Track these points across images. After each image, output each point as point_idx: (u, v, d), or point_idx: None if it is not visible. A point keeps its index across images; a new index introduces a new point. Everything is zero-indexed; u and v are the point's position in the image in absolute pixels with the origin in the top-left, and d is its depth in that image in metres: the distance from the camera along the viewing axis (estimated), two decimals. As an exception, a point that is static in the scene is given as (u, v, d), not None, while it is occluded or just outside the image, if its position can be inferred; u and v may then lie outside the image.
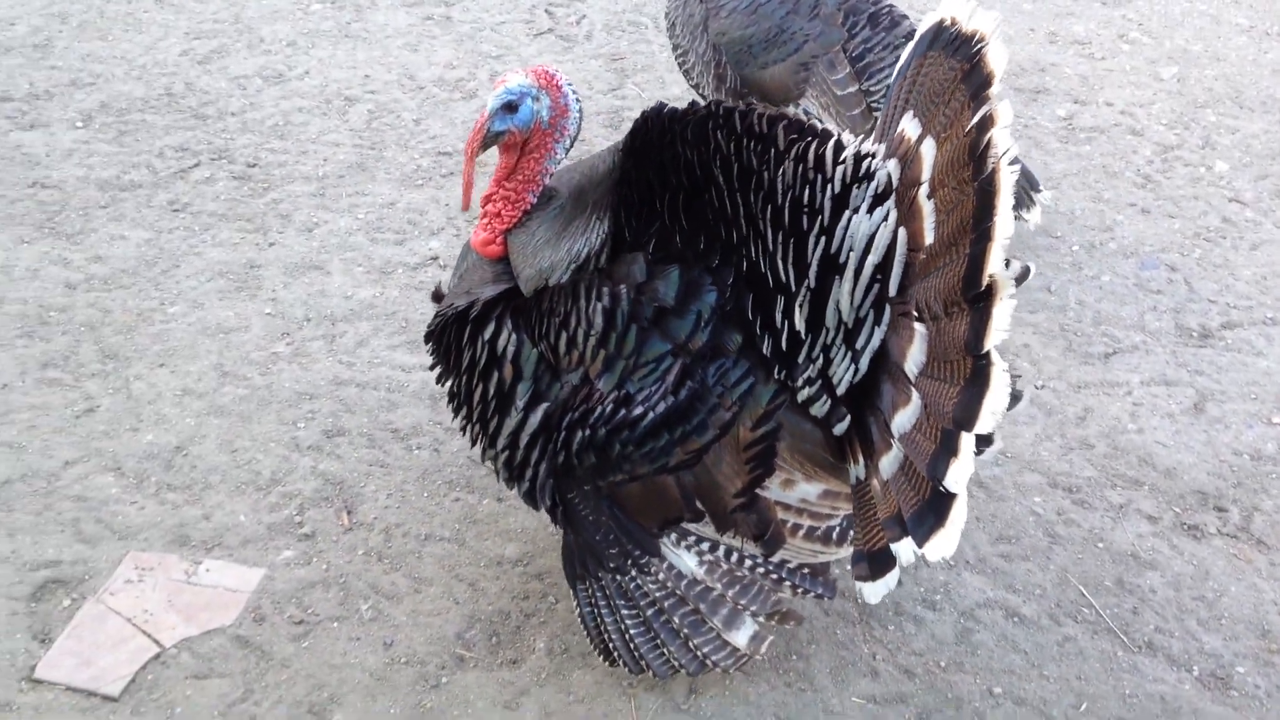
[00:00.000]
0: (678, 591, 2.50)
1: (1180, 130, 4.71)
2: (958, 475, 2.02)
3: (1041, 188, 3.93)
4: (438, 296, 2.83)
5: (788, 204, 2.20)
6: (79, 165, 4.48)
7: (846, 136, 2.28)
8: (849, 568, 2.31)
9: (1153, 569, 3.01)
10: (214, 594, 2.92)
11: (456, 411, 2.60)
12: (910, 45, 2.23)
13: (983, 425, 2.00)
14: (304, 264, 4.01)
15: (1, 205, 4.25)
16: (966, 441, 2.02)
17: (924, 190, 2.05)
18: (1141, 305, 3.87)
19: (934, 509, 2.05)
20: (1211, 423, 3.45)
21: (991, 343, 1.98)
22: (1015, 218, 3.76)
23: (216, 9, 5.58)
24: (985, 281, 1.96)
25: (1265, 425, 3.44)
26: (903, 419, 2.11)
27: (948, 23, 2.13)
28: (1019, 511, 3.16)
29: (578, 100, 2.50)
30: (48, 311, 3.78)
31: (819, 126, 2.33)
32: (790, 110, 3.92)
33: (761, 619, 2.55)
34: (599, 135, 4.68)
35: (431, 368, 2.66)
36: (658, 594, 2.52)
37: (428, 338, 2.65)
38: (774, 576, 2.49)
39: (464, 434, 2.62)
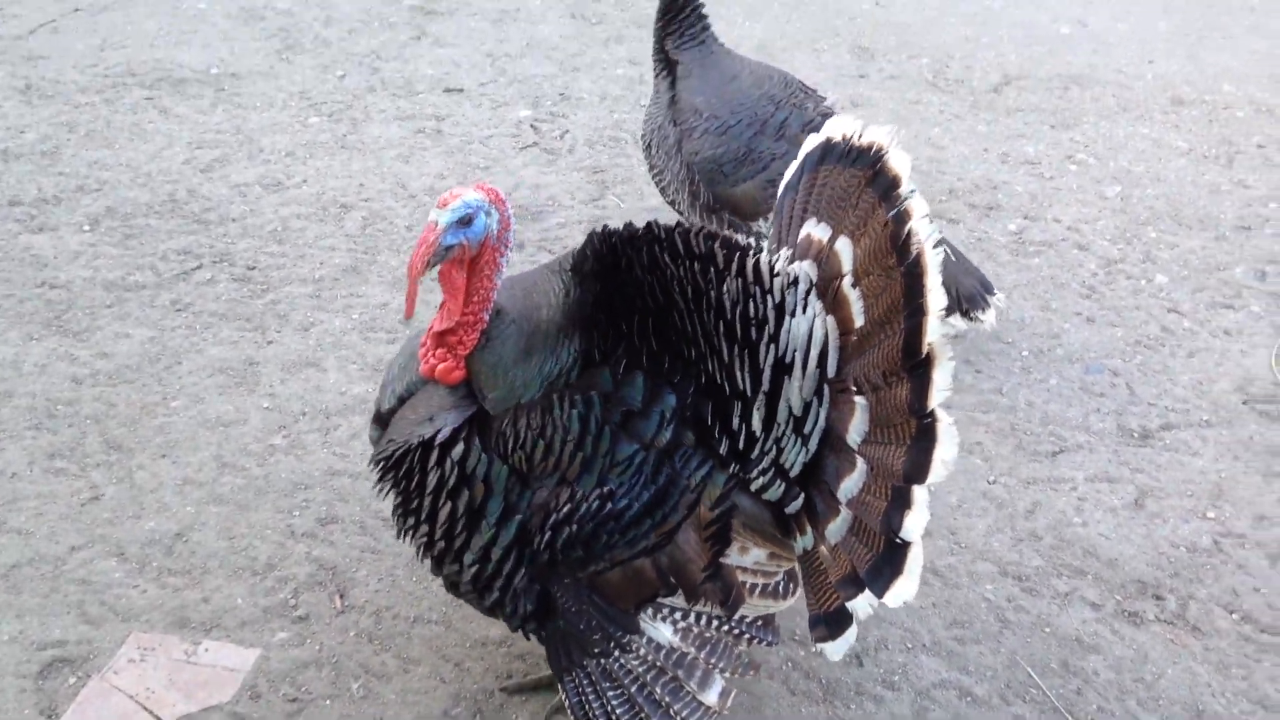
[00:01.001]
0: (657, 663, 2.65)
1: (1123, 245, 5.01)
2: (913, 525, 2.28)
3: (996, 291, 4.21)
4: (381, 419, 2.77)
5: (738, 318, 2.43)
6: (86, 267, 4.71)
7: (762, 244, 2.55)
8: (815, 647, 2.52)
9: (1096, 653, 3.21)
10: (212, 673, 3.07)
11: (410, 530, 2.65)
12: (795, 165, 2.52)
13: (935, 476, 2.25)
14: (301, 361, 4.24)
15: (11, 304, 4.47)
16: (919, 494, 2.27)
17: (848, 280, 2.33)
18: (1086, 407, 4.13)
19: (889, 560, 2.30)
20: (1151, 517, 3.69)
21: (935, 402, 2.24)
22: (972, 319, 4.07)
23: (219, 120, 5.86)
24: (925, 350, 2.23)
25: (1200, 520, 3.67)
26: (849, 484, 2.36)
27: (837, 140, 2.43)
28: (972, 598, 3.37)
29: (513, 217, 2.55)
30: (55, 405, 3.97)
31: (741, 240, 2.55)
32: (759, 225, 4.22)
33: (728, 674, 2.70)
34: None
35: (380, 490, 2.67)
36: (639, 669, 2.66)
37: (383, 465, 2.64)
38: (735, 632, 2.67)
39: (419, 553, 2.68)
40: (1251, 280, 4.79)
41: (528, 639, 2.74)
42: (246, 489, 3.67)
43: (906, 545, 2.32)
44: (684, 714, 2.71)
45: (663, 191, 4.56)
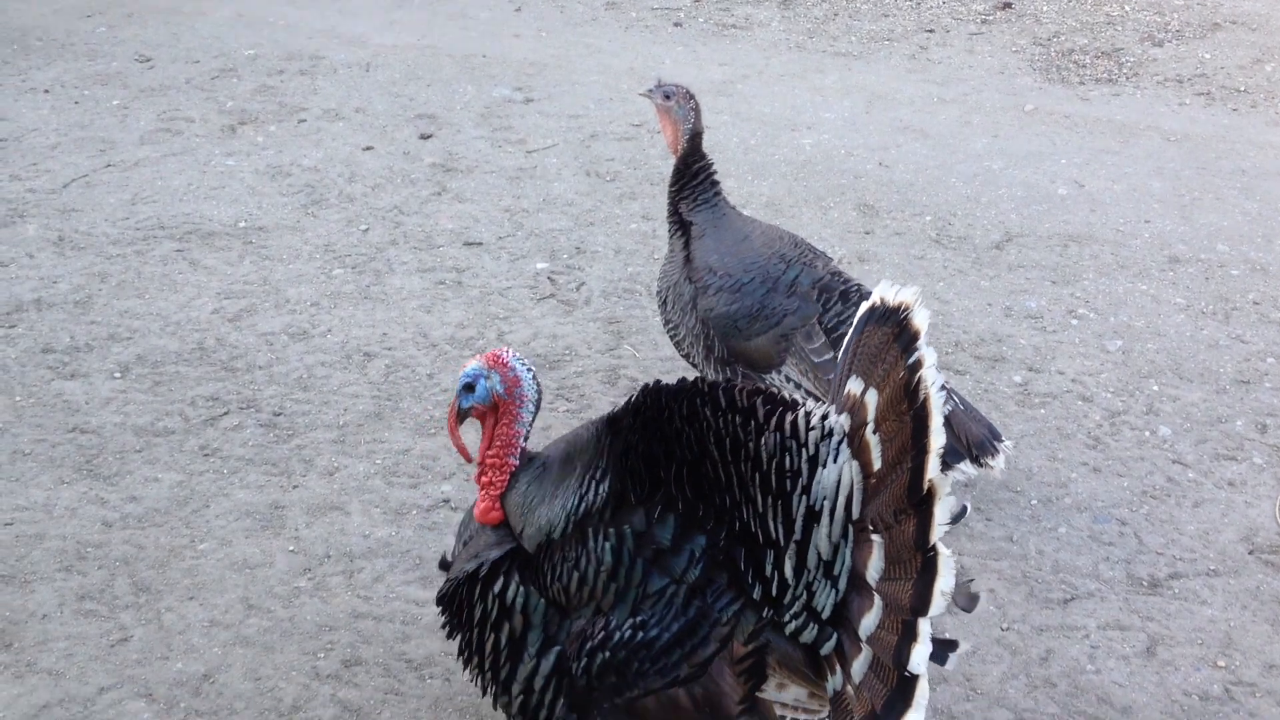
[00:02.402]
0: None
1: (1126, 397, 5.15)
2: (919, 658, 2.37)
3: (1004, 438, 4.32)
4: (444, 565, 3.19)
5: (773, 470, 2.59)
6: (116, 413, 4.85)
7: (810, 403, 2.71)
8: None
9: (1113, 801, 3.24)
10: (237, 815, 3.11)
11: (467, 664, 2.92)
12: (853, 328, 2.69)
13: (935, 608, 2.35)
14: (325, 505, 4.33)
15: (44, 449, 4.59)
16: (924, 626, 2.38)
17: (870, 427, 2.47)
18: (1095, 556, 4.20)
19: (901, 695, 2.37)
20: (1162, 665, 3.73)
21: (936, 537, 2.35)
22: (982, 465, 4.17)
23: (246, 272, 6.07)
24: (927, 486, 2.35)
25: (1211, 668, 3.72)
26: (868, 622, 2.45)
27: (879, 303, 2.60)
28: (988, 746, 3.41)
29: (529, 369, 2.94)
30: (85, 548, 4.06)
31: (788, 396, 2.76)
32: (772, 377, 4.37)
33: None
34: (597, 391, 5.09)
35: (443, 627, 2.98)
36: None
37: (439, 601, 3.00)
38: None
39: (474, 684, 2.93)
40: (1253, 433, 4.91)
41: None
42: (272, 631, 3.73)
43: (915, 678, 2.41)
44: None
45: (677, 345, 4.72)
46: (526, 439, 2.98)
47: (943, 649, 2.62)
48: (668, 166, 4.75)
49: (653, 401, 2.79)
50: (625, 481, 2.71)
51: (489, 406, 2.91)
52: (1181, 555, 4.22)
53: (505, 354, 2.92)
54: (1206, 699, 3.60)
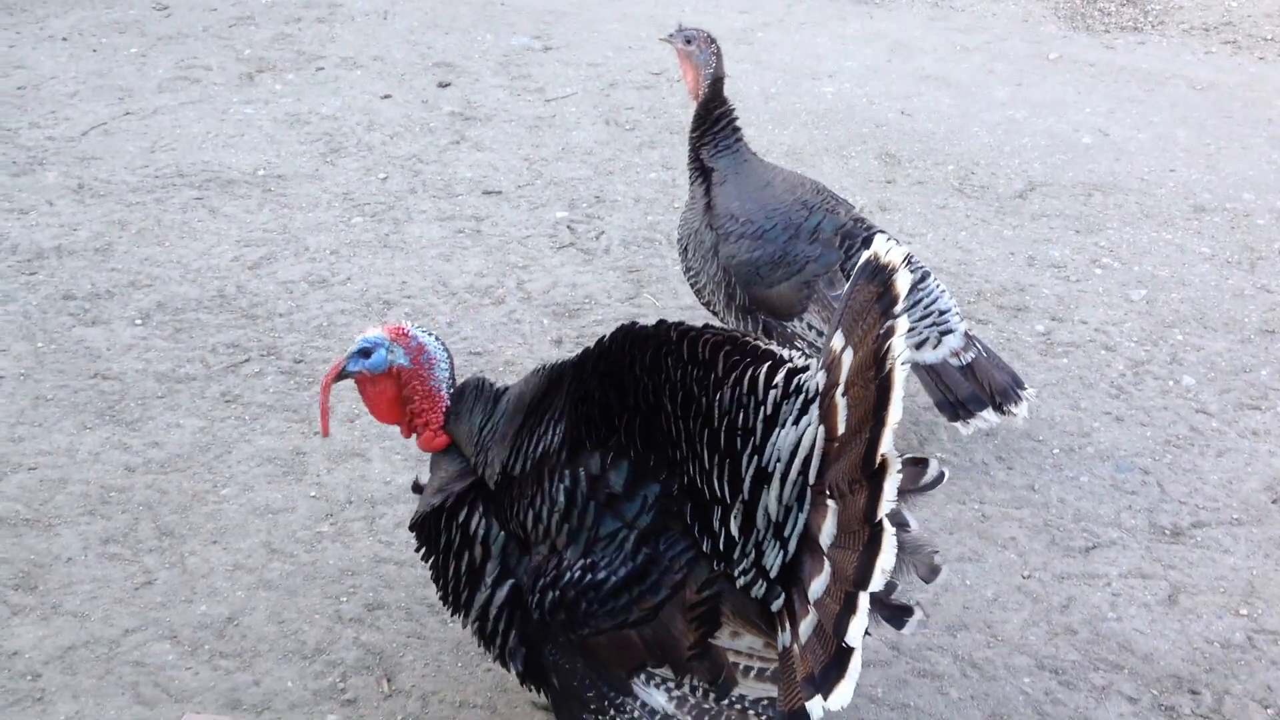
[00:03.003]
0: None
1: (1150, 347, 5.12)
2: (856, 630, 2.35)
3: (1027, 386, 4.29)
4: (417, 488, 3.24)
5: (724, 428, 2.57)
6: (138, 359, 4.86)
7: (785, 353, 2.67)
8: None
9: (1133, 747, 3.24)
10: (262, 754, 3.14)
11: (437, 587, 3.00)
12: (850, 279, 2.62)
13: (875, 584, 2.33)
14: (346, 451, 4.35)
15: (66, 394, 4.61)
16: (863, 600, 2.35)
17: (840, 390, 2.41)
18: (1118, 504, 4.19)
19: (837, 663, 2.36)
20: (1184, 613, 3.73)
21: (883, 512, 2.32)
22: (1005, 413, 4.15)
23: (266, 220, 6.05)
24: (878, 460, 2.32)
25: (1233, 616, 3.71)
26: (817, 586, 2.42)
27: (873, 257, 2.54)
28: (1009, 691, 3.41)
29: (431, 334, 2.99)
30: (109, 492, 4.08)
31: (760, 347, 2.71)
32: (795, 324, 4.34)
33: None
34: (617, 340, 5.07)
35: (418, 550, 3.05)
36: None
37: (412, 527, 3.07)
38: (738, 707, 2.73)
39: (445, 606, 3.00)
40: (1277, 382, 4.87)
41: (538, 695, 2.93)
42: (295, 575, 3.75)
43: (850, 650, 2.38)
44: None
45: (698, 293, 4.69)
46: (452, 388, 3.01)
47: (900, 614, 2.62)
48: (687, 115, 4.71)
49: (618, 347, 2.78)
50: (580, 426, 2.72)
51: (381, 375, 2.96)
52: (1204, 504, 4.20)
53: (406, 326, 2.98)
54: (1228, 647, 3.60)
